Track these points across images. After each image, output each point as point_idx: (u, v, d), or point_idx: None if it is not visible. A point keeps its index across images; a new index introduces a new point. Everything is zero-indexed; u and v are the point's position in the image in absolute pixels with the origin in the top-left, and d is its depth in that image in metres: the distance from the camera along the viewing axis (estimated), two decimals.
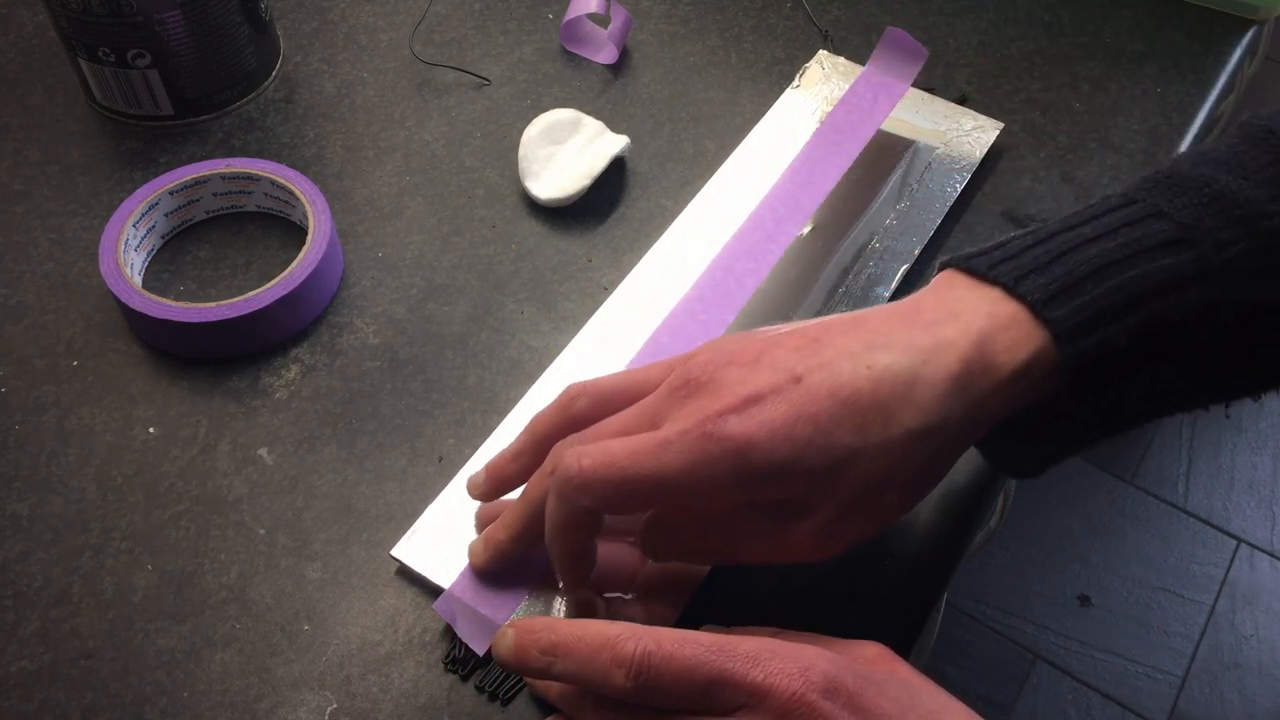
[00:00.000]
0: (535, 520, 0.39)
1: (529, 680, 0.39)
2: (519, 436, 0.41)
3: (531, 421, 0.41)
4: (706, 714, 0.33)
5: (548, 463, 0.38)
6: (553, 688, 0.38)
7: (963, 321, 0.36)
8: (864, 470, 0.35)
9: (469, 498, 0.44)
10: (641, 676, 0.33)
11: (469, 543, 0.42)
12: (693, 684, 0.33)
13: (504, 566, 0.41)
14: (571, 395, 0.40)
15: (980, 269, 0.37)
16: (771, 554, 0.38)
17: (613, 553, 0.42)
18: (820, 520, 0.36)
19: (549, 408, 0.41)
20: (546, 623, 0.36)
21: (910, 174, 0.56)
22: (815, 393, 0.35)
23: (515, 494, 0.42)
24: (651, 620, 0.41)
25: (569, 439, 0.38)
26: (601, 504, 0.36)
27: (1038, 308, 0.35)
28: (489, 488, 0.42)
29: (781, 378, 0.35)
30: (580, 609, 0.41)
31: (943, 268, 0.39)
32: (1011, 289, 0.36)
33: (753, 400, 0.35)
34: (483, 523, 0.43)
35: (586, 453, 0.36)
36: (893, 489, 0.36)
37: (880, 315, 0.37)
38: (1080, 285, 0.36)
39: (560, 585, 0.40)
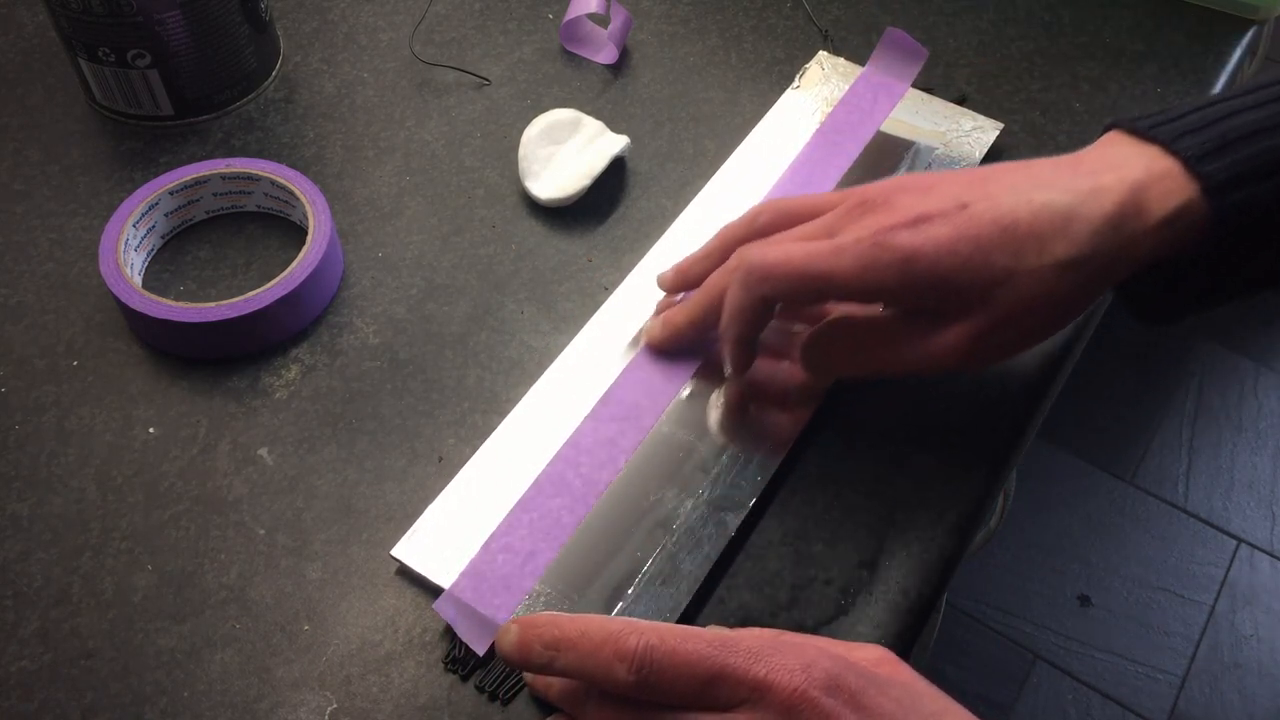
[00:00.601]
0: (713, 309, 0.44)
1: (528, 680, 0.39)
2: (709, 242, 0.47)
3: (720, 231, 0.47)
4: (708, 709, 0.33)
5: (731, 260, 0.43)
6: (553, 685, 0.38)
7: (1121, 173, 0.39)
8: (1015, 292, 0.39)
9: (465, 499, 0.44)
10: (644, 670, 0.33)
11: (646, 325, 0.48)
12: (695, 678, 0.33)
13: (676, 347, 0.48)
14: (757, 211, 0.46)
15: (1142, 129, 0.41)
16: (920, 363, 0.42)
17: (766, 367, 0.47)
18: (969, 332, 0.40)
19: (736, 221, 0.46)
20: (549, 618, 0.37)
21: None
22: (979, 219, 0.39)
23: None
24: (784, 425, 0.46)
25: (753, 242, 0.44)
26: (778, 293, 0.41)
27: (1191, 163, 0.39)
28: (676, 281, 0.48)
29: (949, 204, 0.40)
30: (735, 402, 0.47)
31: (1108, 129, 0.42)
32: (1169, 146, 0.39)
33: (922, 219, 0.40)
34: (658, 311, 0.49)
35: (769, 250, 0.42)
36: (1038, 313, 0.40)
37: (1046, 163, 0.42)
38: (1233, 146, 0.39)
39: (727, 371, 0.46)
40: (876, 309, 0.44)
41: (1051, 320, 0.41)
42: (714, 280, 0.45)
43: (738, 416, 0.46)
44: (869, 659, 0.36)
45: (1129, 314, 0.45)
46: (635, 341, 0.49)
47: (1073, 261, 0.39)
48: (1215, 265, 0.41)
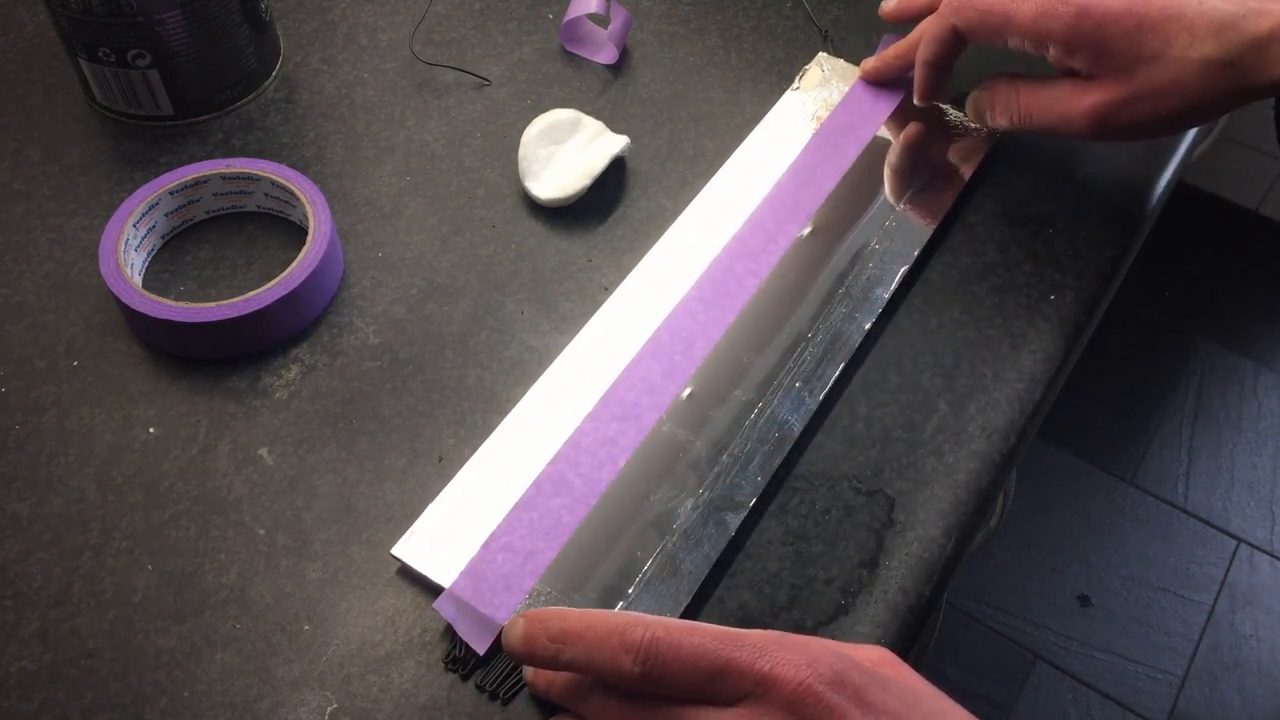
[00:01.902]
0: (916, 47, 0.54)
1: (529, 679, 0.39)
2: None
3: None
4: (712, 702, 0.33)
5: (942, 6, 0.51)
6: (556, 682, 0.38)
7: None
8: (1157, 72, 0.45)
9: (466, 499, 0.44)
10: (649, 662, 0.33)
11: (863, 62, 0.59)
12: (699, 671, 0.33)
13: (887, 77, 0.58)
14: None
15: None
16: (1060, 118, 0.49)
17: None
18: (1107, 97, 0.47)
19: None
20: (556, 612, 0.37)
21: None
22: (1152, 1, 0.45)
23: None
24: (943, 182, 0.54)
25: None
26: (967, 23, 0.49)
27: None
28: (901, 9, 0.56)
29: None
30: (915, 135, 0.57)
31: None
32: None
33: None
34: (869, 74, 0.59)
35: None
36: (1170, 100, 0.45)
37: None
38: None
39: (916, 98, 0.55)
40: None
41: (1180, 112, 0.46)
42: (924, 24, 0.53)
43: (911, 160, 0.55)
44: (871, 659, 0.36)
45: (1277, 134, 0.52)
46: (635, 341, 0.49)
47: (1215, 62, 0.44)
48: None
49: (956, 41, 0.51)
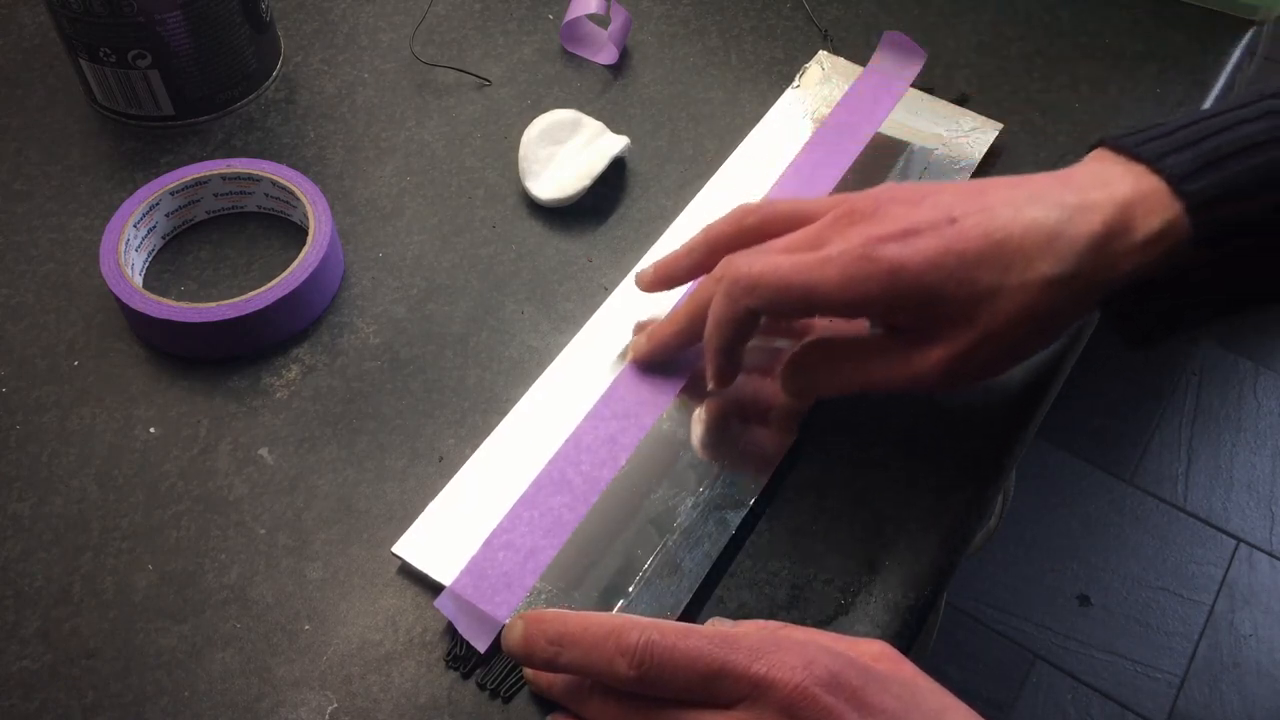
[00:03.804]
0: (698, 320, 0.44)
1: (529, 677, 0.40)
2: (692, 239, 0.46)
3: (705, 229, 0.45)
4: (708, 705, 0.34)
5: (717, 270, 0.43)
6: (556, 682, 0.38)
7: (1109, 190, 0.39)
8: (1000, 308, 0.39)
9: (466, 497, 0.44)
10: (645, 665, 0.33)
11: (631, 341, 0.48)
12: (695, 674, 0.33)
13: (663, 358, 0.47)
14: (745, 211, 0.45)
15: (1128, 146, 0.40)
16: (903, 381, 0.41)
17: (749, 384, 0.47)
18: (953, 349, 0.40)
19: (722, 220, 0.45)
20: (554, 614, 0.37)
21: (908, 176, 0.56)
22: (968, 233, 0.39)
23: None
24: (768, 444, 0.46)
25: (739, 252, 0.43)
26: (763, 305, 0.41)
27: (1175, 182, 0.38)
28: (657, 279, 0.47)
29: (940, 216, 0.39)
30: (717, 414, 0.46)
31: (1094, 146, 0.42)
32: (1154, 164, 0.39)
33: (910, 232, 0.39)
34: (640, 329, 0.48)
35: (755, 260, 0.41)
36: (1022, 329, 0.39)
37: (1038, 178, 0.41)
38: (1219, 164, 0.38)
39: (710, 385, 0.45)
40: (860, 326, 0.45)
41: (1035, 337, 0.41)
42: (699, 291, 0.44)
43: (719, 434, 0.46)
44: (870, 654, 0.36)
45: (1116, 335, 0.44)
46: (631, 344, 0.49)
47: (1059, 278, 0.38)
48: (1200, 285, 0.40)
49: (753, 323, 0.42)
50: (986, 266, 0.38)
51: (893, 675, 0.34)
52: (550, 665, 0.37)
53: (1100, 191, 0.39)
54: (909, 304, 0.39)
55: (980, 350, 0.40)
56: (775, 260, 0.41)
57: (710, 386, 0.45)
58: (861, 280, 0.39)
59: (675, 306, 0.46)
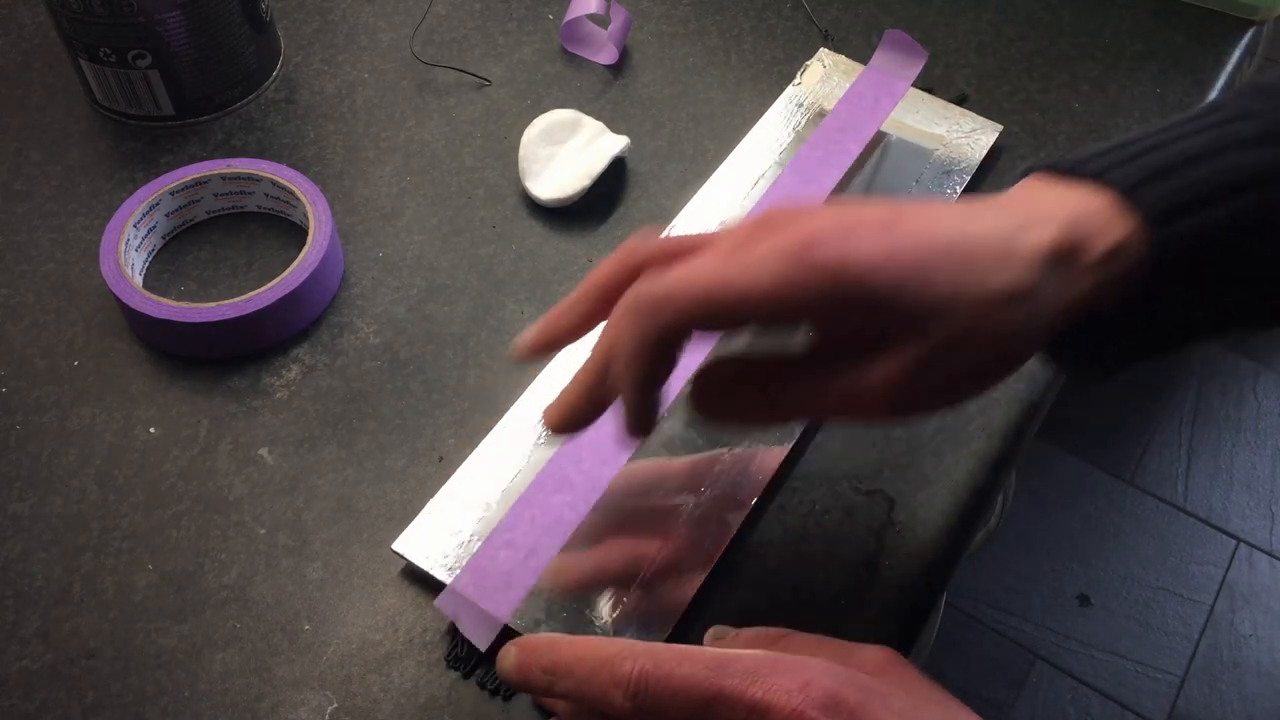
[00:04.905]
0: (607, 369, 0.35)
1: (536, 697, 0.40)
2: (577, 288, 0.37)
3: (589, 274, 0.37)
4: None
5: (620, 304, 0.34)
6: (558, 706, 0.38)
7: (1053, 209, 0.35)
8: (955, 323, 0.33)
9: (467, 494, 0.44)
10: (639, 696, 0.33)
11: (543, 408, 0.38)
12: (691, 702, 0.33)
13: (578, 426, 0.37)
14: (633, 246, 0.36)
15: (1064, 168, 0.36)
16: (840, 406, 0.35)
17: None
18: (902, 367, 0.33)
19: (607, 260, 0.37)
20: (547, 641, 0.37)
21: (908, 175, 0.56)
22: (914, 235, 0.33)
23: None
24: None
25: (642, 277, 0.35)
26: (681, 321, 0.33)
27: (1127, 194, 0.34)
28: (539, 340, 0.38)
29: (879, 217, 0.33)
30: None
31: (1025, 174, 0.38)
32: (1100, 178, 0.35)
33: (850, 232, 0.33)
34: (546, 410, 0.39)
35: (664, 275, 0.33)
36: (979, 351, 0.34)
37: (968, 203, 0.36)
38: (1170, 173, 0.35)
39: (625, 431, 0.36)
40: (781, 347, 0.37)
41: (993, 363, 0.35)
42: (603, 336, 0.35)
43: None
44: (874, 662, 0.35)
45: (1061, 368, 0.40)
46: None
47: (1016, 294, 0.33)
48: (1157, 310, 0.36)
49: (670, 351, 0.34)
50: (940, 272, 0.33)
51: (895, 686, 0.34)
52: (546, 693, 0.36)
53: (1044, 208, 0.35)
54: (854, 309, 0.33)
55: (933, 370, 0.33)
56: (689, 270, 0.33)
57: (632, 434, 0.36)
58: (798, 283, 0.32)
59: (580, 366, 0.37)
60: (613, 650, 0.34)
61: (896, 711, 0.33)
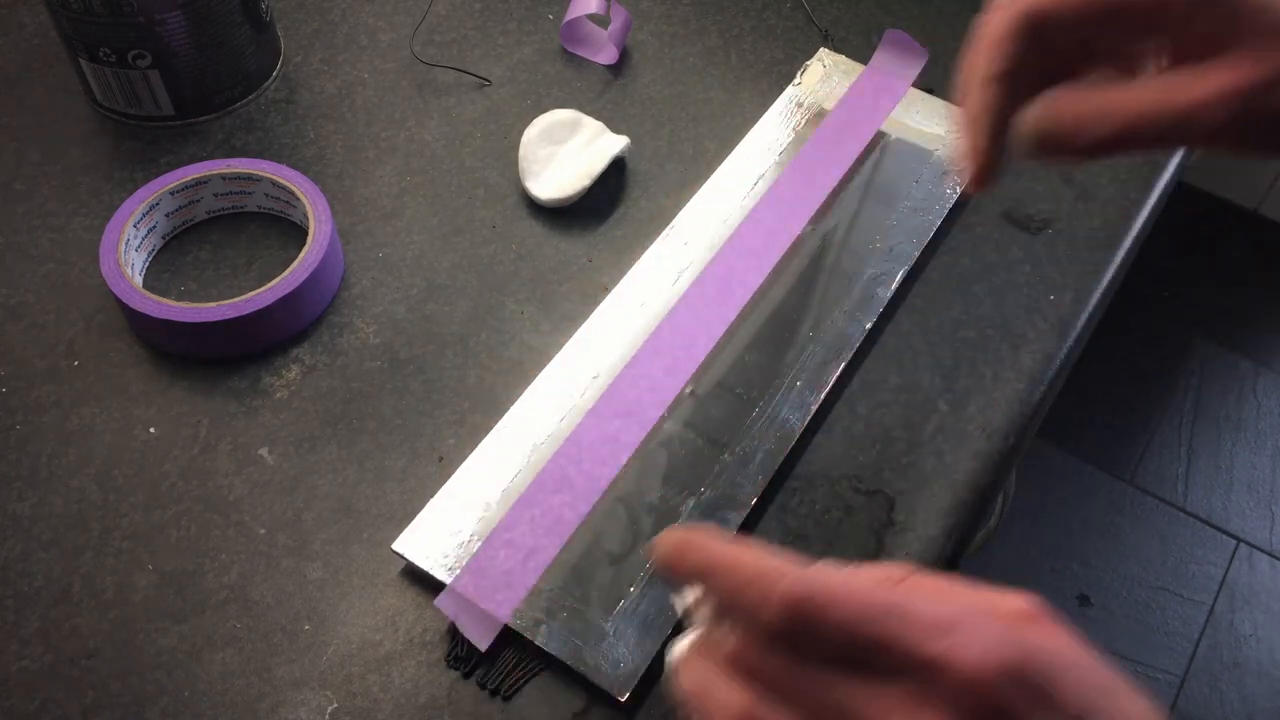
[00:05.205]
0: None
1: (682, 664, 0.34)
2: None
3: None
4: (861, 673, 0.29)
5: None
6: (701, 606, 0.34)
7: None
8: None
9: (467, 494, 0.44)
10: (794, 620, 0.30)
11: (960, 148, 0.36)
12: (850, 641, 0.29)
13: (991, 168, 0.35)
14: None
15: None
16: (1179, 112, 0.33)
17: None
18: (1248, 73, 0.31)
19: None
20: (703, 541, 0.32)
21: (906, 175, 0.56)
22: None
23: None
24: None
25: None
26: (1045, 8, 0.33)
27: None
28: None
29: None
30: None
31: None
32: None
33: None
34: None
35: None
36: None
37: None
38: None
39: (977, 169, 0.35)
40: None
41: None
42: (989, 30, 0.35)
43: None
44: (1023, 613, 0.31)
45: None
46: (635, 340, 0.49)
47: None
48: None
49: (1030, 39, 0.34)
50: None
51: (1078, 659, 0.30)
52: (694, 579, 0.32)
53: None
54: (1215, 7, 0.32)
55: (1275, 90, 0.31)
56: None
57: (976, 183, 0.35)
58: None
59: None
60: (773, 565, 0.31)
61: (1092, 687, 0.29)
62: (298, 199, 0.52)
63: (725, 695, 0.32)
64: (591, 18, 0.64)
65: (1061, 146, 0.35)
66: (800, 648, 0.30)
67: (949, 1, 0.66)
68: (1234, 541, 1.38)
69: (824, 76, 0.61)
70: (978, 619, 0.29)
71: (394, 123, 0.60)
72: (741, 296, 0.51)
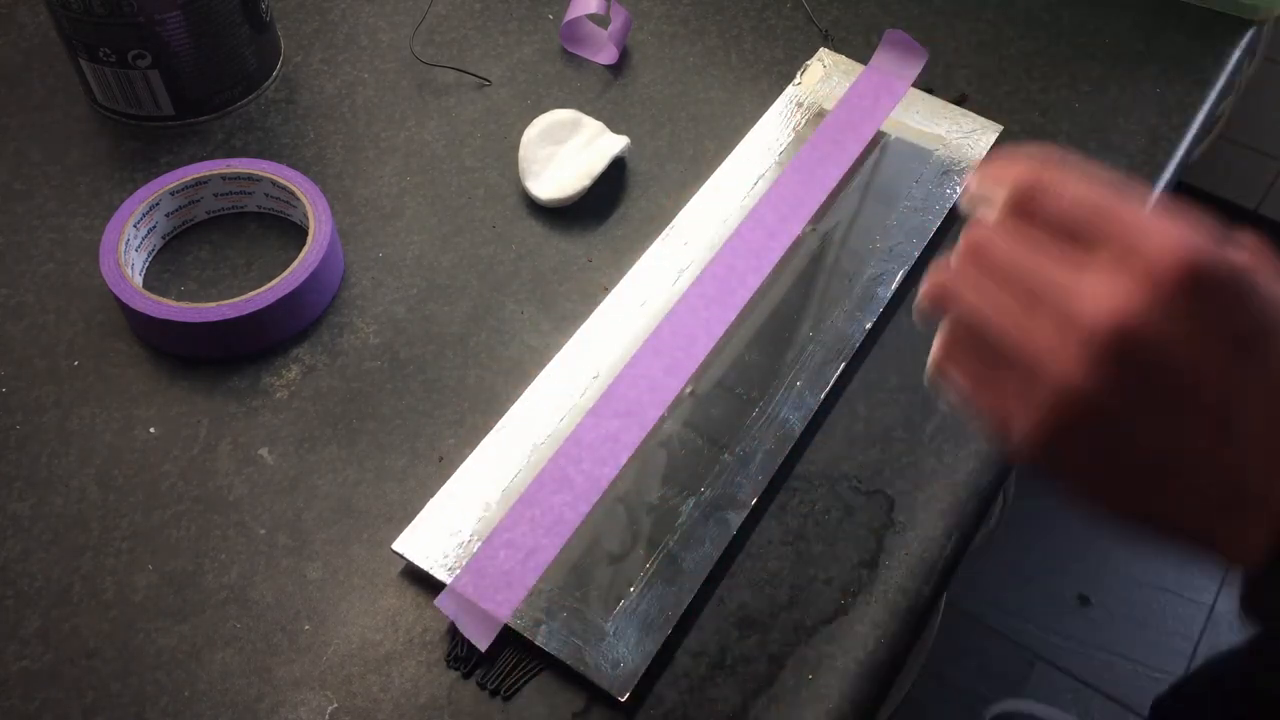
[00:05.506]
0: None
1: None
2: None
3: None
4: (1069, 247, 0.30)
5: None
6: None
7: None
8: None
9: (467, 494, 0.44)
10: (1032, 187, 0.30)
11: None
12: (1080, 206, 0.30)
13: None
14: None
15: None
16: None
17: None
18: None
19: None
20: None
21: (904, 175, 0.56)
22: None
23: None
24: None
25: None
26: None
27: None
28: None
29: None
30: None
31: None
32: None
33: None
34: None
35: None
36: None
37: None
38: None
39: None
40: None
41: None
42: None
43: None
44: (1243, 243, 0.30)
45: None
46: (635, 340, 0.49)
47: None
48: None
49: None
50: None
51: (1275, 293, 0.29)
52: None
53: None
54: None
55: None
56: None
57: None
58: None
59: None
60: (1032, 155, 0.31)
61: (1276, 313, 0.29)
62: (298, 199, 0.52)
63: (938, 274, 0.35)
64: (591, 18, 0.64)
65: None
66: (1031, 202, 0.31)
67: (949, 2, 0.66)
68: None
69: (824, 76, 0.61)
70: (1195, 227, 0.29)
71: (394, 123, 0.60)
72: (741, 296, 0.51)
